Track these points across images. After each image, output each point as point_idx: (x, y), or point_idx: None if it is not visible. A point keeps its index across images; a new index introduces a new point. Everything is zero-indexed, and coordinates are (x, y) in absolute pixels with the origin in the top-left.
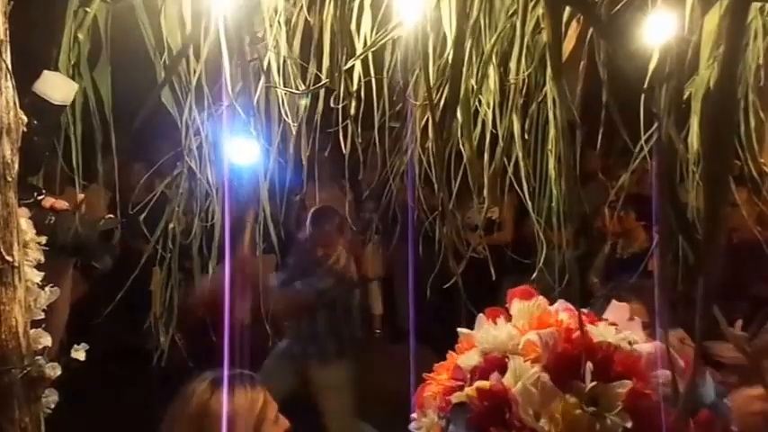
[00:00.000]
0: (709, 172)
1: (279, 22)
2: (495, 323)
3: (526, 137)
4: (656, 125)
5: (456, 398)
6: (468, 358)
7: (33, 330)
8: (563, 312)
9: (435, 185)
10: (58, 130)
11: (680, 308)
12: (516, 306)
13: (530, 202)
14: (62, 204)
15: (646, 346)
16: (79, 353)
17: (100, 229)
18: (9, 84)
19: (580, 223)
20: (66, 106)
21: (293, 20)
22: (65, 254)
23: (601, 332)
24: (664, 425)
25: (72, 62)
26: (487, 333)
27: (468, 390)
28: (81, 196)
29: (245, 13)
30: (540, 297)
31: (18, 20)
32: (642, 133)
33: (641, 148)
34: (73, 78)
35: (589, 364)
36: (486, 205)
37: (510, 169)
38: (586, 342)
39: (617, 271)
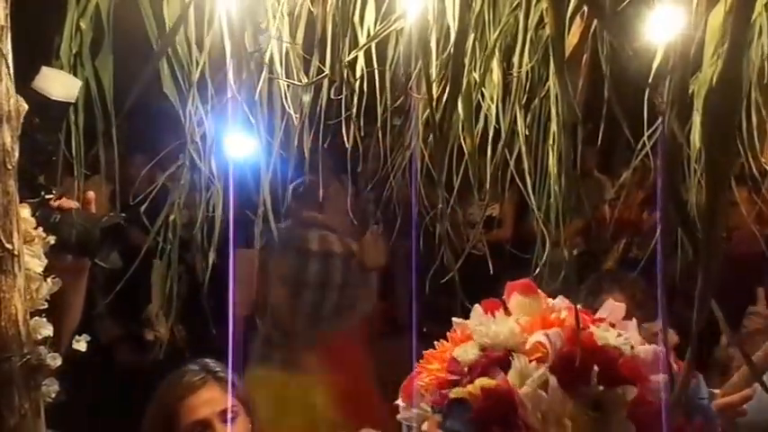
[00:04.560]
0: (710, 164)
1: (282, 12)
2: (494, 316)
3: (527, 132)
4: (659, 121)
5: (455, 393)
6: (465, 352)
7: (34, 319)
8: (564, 310)
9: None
10: (61, 127)
11: (676, 302)
12: (515, 300)
13: (531, 199)
14: (70, 204)
15: (644, 348)
16: (80, 344)
17: (101, 226)
18: (9, 71)
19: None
20: (69, 103)
21: (296, 11)
22: (67, 252)
23: (603, 335)
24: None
25: (74, 51)
26: (487, 327)
27: (470, 387)
28: (90, 194)
29: (248, 3)
30: (541, 293)
31: (20, 6)
32: (645, 130)
33: (644, 145)
34: (75, 68)
35: (595, 368)
36: (487, 201)
37: (512, 165)
38: (591, 345)
39: (629, 270)
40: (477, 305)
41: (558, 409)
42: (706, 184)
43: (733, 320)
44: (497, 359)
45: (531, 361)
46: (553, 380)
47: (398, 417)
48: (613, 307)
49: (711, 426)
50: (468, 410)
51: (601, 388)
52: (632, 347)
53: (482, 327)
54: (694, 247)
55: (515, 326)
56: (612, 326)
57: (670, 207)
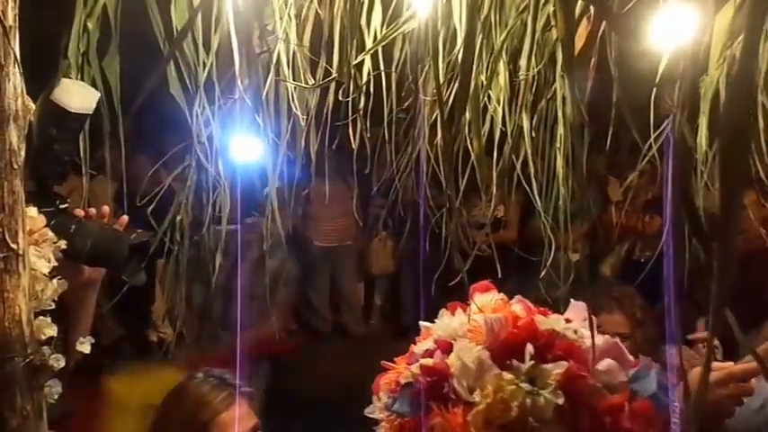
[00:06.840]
0: (724, 170)
1: (289, 14)
2: (454, 315)
3: (533, 134)
4: (667, 122)
5: (404, 378)
6: (422, 345)
7: (39, 319)
8: (516, 305)
9: (443, 182)
10: (78, 138)
11: (683, 306)
12: (477, 299)
13: (537, 202)
14: (91, 212)
15: (599, 339)
16: (84, 345)
17: (130, 243)
18: (16, 70)
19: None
20: (87, 115)
21: (303, 12)
22: (79, 261)
23: (549, 322)
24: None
25: (81, 51)
26: (443, 322)
27: (413, 367)
28: (106, 209)
29: (254, 4)
30: (497, 293)
31: (28, 6)
32: (651, 132)
33: (650, 148)
34: (82, 68)
35: (529, 346)
36: (494, 203)
37: (518, 167)
38: (531, 328)
39: (630, 272)
40: (442, 309)
41: (484, 380)
42: (720, 187)
43: (745, 322)
44: (443, 345)
45: (470, 342)
46: (485, 353)
47: (366, 411)
48: (577, 307)
49: (662, 414)
50: (413, 391)
51: (533, 363)
52: (576, 332)
53: (440, 323)
54: (706, 252)
55: (465, 318)
56: (568, 321)
57: (681, 211)
